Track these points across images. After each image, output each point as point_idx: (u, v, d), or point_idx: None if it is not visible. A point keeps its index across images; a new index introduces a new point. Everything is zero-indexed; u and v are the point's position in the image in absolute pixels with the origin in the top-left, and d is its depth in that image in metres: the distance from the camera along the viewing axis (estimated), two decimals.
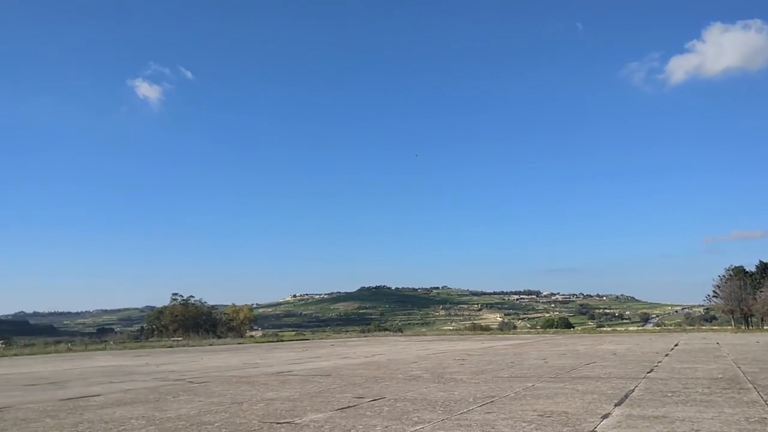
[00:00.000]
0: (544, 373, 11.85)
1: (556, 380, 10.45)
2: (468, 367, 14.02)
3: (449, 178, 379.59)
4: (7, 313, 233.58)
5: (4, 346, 53.99)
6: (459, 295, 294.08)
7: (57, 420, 7.34)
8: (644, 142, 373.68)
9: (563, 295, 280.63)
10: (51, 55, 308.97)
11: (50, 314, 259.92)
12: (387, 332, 74.68)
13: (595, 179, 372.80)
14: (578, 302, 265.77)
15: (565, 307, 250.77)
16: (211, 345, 42.22)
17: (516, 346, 26.62)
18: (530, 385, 9.84)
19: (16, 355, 32.47)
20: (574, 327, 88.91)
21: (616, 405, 7.21)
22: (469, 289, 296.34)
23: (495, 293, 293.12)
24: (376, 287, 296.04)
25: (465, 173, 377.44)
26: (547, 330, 65.83)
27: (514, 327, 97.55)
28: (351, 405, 7.87)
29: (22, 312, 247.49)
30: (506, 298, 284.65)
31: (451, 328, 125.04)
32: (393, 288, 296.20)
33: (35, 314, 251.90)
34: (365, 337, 59.02)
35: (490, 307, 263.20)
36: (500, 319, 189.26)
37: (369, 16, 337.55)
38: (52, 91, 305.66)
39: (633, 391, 8.61)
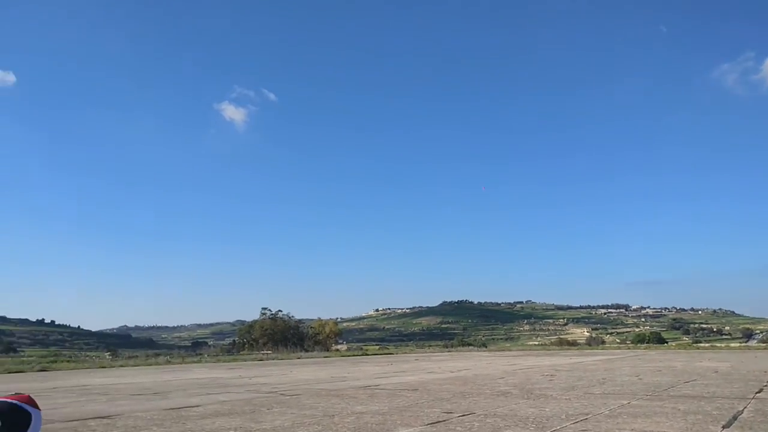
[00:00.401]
0: (639, 391, 11.41)
1: (654, 398, 10.04)
2: (557, 383, 13.71)
3: (533, 192, 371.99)
4: (113, 327, 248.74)
5: (110, 357, 57.47)
6: (544, 309, 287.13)
7: (163, 428, 7.79)
8: (743, 146, 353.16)
9: (654, 308, 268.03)
10: (149, 84, 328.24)
11: (150, 328, 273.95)
12: (471, 347, 73.70)
13: (687, 184, 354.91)
14: (671, 316, 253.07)
15: (656, 322, 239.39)
16: (299, 358, 43.15)
17: (606, 362, 25.70)
18: (625, 402, 9.51)
19: (122, 366, 34.44)
20: (667, 342, 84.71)
21: (723, 427, 6.83)
22: (554, 304, 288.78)
23: (581, 307, 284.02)
24: (459, 302, 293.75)
25: (550, 188, 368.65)
26: (638, 345, 63.03)
27: (603, 342, 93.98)
28: (440, 420, 7.89)
29: (125, 326, 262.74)
30: (593, 312, 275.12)
31: (537, 343, 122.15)
32: (475, 302, 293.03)
33: (137, 328, 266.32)
34: (449, 351, 58.52)
35: (577, 321, 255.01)
36: (587, 333, 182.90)
37: (446, 29, 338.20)
38: (152, 116, 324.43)
39: (742, 412, 8.13)
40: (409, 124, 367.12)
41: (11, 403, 1.13)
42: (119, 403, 11.62)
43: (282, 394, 12.44)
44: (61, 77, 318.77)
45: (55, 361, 42.61)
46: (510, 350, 57.68)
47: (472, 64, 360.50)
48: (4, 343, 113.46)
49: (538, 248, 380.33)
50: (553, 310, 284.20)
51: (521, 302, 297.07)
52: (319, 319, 77.70)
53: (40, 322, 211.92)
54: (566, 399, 10.05)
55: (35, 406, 1.21)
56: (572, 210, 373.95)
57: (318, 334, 71.41)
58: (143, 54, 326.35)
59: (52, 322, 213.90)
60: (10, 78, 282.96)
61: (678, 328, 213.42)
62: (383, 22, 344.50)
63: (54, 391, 15.87)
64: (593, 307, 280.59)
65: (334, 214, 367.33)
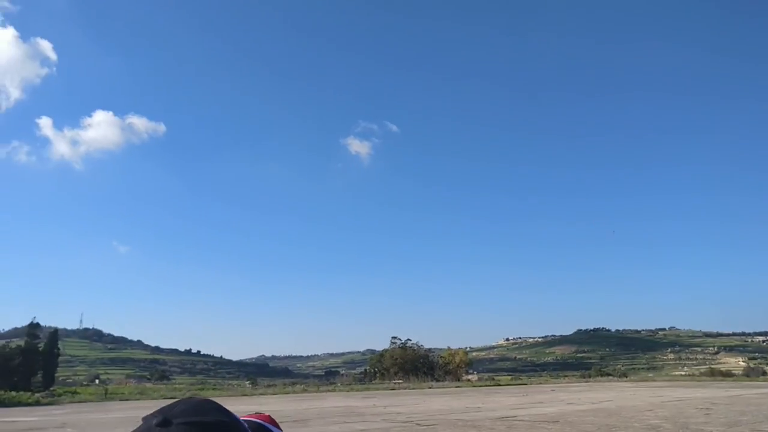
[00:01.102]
0: None
1: None
2: (716, 418, 12.48)
3: (672, 205, 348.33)
4: (252, 357, 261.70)
5: (251, 385, 60.27)
6: (690, 336, 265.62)
7: None
8: None
9: None
10: (278, 123, 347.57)
11: (285, 357, 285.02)
12: (610, 377, 69.58)
13: None
14: None
15: None
16: (430, 387, 42.86)
17: None
18: None
19: (262, 394, 35.99)
20: None
21: None
22: (702, 330, 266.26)
23: (734, 334, 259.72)
24: (594, 329, 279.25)
25: (693, 201, 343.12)
26: None
27: (764, 373, 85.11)
28: None
29: (263, 356, 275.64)
30: (749, 340, 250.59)
31: (683, 373, 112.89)
32: (613, 330, 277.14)
33: (273, 357, 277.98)
34: (586, 382, 55.67)
35: (729, 350, 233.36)
36: (743, 363, 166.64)
37: (542, 53, 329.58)
38: (279, 156, 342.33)
39: None
40: (528, 151, 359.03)
41: (259, 423, 1.14)
42: None
43: (417, 424, 12.31)
44: (201, 124, 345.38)
45: (203, 389, 45.45)
46: (654, 381, 53.85)
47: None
48: (158, 371, 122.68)
49: (681, 269, 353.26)
50: (701, 337, 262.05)
51: (664, 329, 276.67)
52: (449, 349, 76.82)
53: (188, 352, 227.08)
54: None
55: (277, 426, 1.22)
56: (714, 223, 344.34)
57: (448, 363, 70.51)
58: (271, 97, 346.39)
59: (198, 352, 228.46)
60: (161, 128, 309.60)
61: None
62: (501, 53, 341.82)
63: None
64: (749, 334, 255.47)
65: (461, 243, 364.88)
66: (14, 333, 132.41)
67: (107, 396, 36.72)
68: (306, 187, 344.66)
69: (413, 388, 42.50)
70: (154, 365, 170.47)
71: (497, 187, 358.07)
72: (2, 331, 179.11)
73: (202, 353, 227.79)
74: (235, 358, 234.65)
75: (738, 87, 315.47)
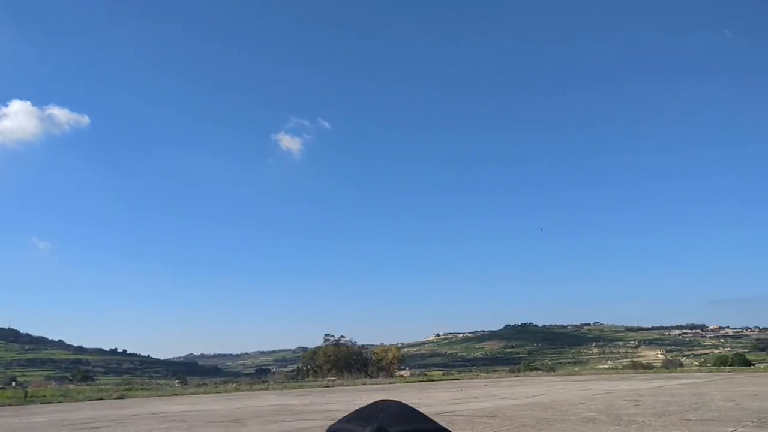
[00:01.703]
0: (742, 417, 10.59)
1: (762, 426, 9.28)
2: (646, 409, 12.94)
3: (593, 202, 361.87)
4: (180, 356, 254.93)
5: (180, 385, 58.65)
6: (613, 331, 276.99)
7: None
8: None
9: (734, 329, 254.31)
10: (209, 119, 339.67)
11: (215, 356, 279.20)
12: (539, 371, 71.72)
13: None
14: (754, 336, 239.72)
15: (737, 343, 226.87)
16: (363, 384, 42.87)
17: (692, 386, 24.35)
18: (731, 430, 8.80)
19: (192, 393, 34.99)
20: (753, 364, 79.91)
21: None
22: (624, 325, 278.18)
23: (653, 328, 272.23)
24: (522, 325, 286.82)
25: (616, 191, 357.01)
26: (721, 368, 59.74)
27: (681, 365, 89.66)
28: None
29: (191, 354, 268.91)
30: (666, 334, 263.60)
31: (607, 366, 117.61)
32: (540, 325, 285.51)
33: (202, 356, 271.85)
34: (516, 376, 57.08)
35: (649, 343, 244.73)
36: (662, 356, 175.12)
37: (499, 55, 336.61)
38: (212, 150, 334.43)
39: None
40: (459, 154, 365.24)
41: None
42: (199, 430, 11.61)
43: None
44: (128, 117, 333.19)
45: (130, 389, 43.76)
46: (581, 374, 55.78)
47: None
48: (81, 372, 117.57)
49: (605, 267, 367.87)
50: (622, 331, 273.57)
51: (588, 324, 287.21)
52: (382, 345, 77.37)
53: (113, 352, 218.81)
54: (662, 426, 9.41)
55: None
56: (637, 224, 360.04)
57: (381, 360, 70.87)
58: (202, 90, 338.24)
59: (124, 351, 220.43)
60: (85, 120, 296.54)
61: (763, 349, 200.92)
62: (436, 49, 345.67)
63: (135, 418, 16.11)
64: (666, 328, 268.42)
65: (391, 239, 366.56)
66: None
67: (27, 399, 34.81)
68: (237, 183, 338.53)
69: (347, 385, 42.40)
70: (76, 365, 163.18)
71: (423, 185, 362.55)
72: None
73: (128, 352, 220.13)
74: (162, 357, 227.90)
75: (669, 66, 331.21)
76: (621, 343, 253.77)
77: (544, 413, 12.66)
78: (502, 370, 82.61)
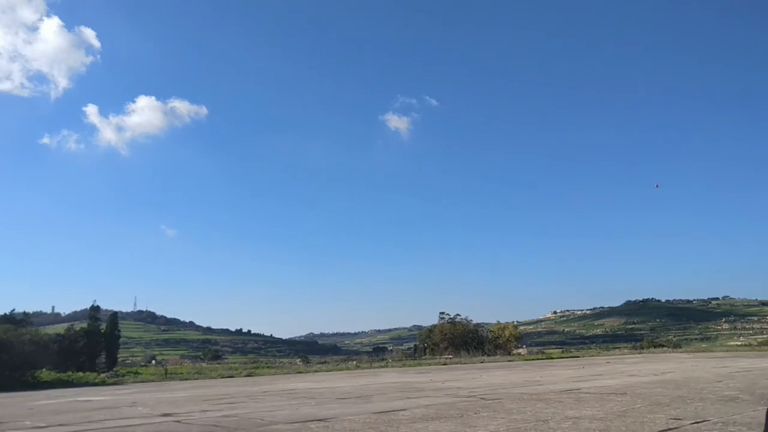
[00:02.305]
0: None
1: None
2: None
3: (720, 173, 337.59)
4: (301, 335, 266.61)
5: (302, 363, 61.35)
6: (745, 305, 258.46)
7: (380, 431, 7.97)
8: None
9: None
10: (318, 104, 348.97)
11: (334, 335, 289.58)
12: (664, 348, 68.39)
13: None
14: None
15: None
16: (482, 362, 42.88)
17: None
18: None
19: (316, 371, 36.59)
20: None
21: None
22: (758, 299, 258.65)
23: None
24: (644, 300, 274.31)
25: (741, 171, 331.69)
26: None
27: None
28: (671, 428, 7.25)
29: (311, 333, 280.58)
30: None
31: (740, 343, 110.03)
32: (663, 300, 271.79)
33: (321, 335, 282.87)
34: (640, 353, 54.85)
35: None
36: None
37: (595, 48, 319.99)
38: (323, 134, 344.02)
39: None
40: (584, 122, 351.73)
41: None
42: (328, 406, 12.18)
43: (482, 398, 12.27)
44: (242, 106, 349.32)
45: (257, 367, 46.44)
46: (712, 351, 52.67)
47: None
48: (211, 351, 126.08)
49: (736, 235, 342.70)
50: (756, 306, 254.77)
51: (717, 298, 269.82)
52: (498, 323, 76.60)
53: (239, 332, 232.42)
54: None
55: None
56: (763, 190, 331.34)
57: (498, 337, 70.35)
58: (310, 76, 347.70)
59: (249, 331, 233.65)
60: (203, 111, 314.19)
61: None
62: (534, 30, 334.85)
63: (266, 394, 17.15)
64: None
65: (505, 216, 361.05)
66: (74, 316, 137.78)
67: (167, 376, 37.91)
68: (348, 165, 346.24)
69: (465, 363, 42.62)
70: (206, 345, 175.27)
71: (540, 154, 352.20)
72: (64, 314, 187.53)
73: (252, 332, 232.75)
74: (284, 336, 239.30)
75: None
76: (755, 318, 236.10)
77: (678, 391, 12.16)
78: (624, 347, 79.67)
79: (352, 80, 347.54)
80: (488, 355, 56.59)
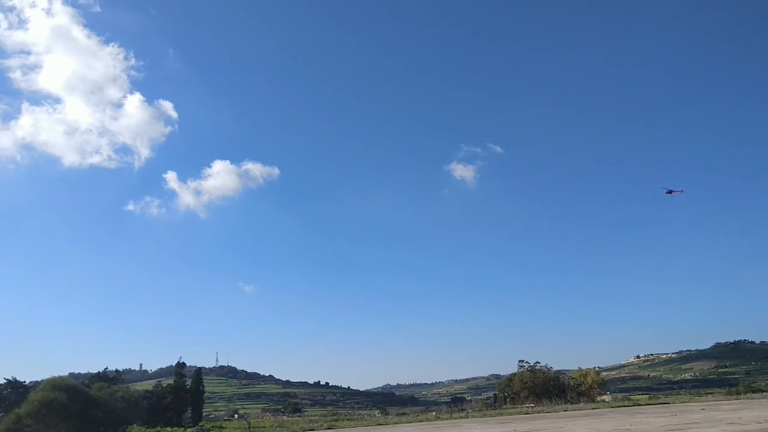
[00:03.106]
0: None
1: None
2: None
3: None
4: (377, 386, 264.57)
5: (380, 415, 61.00)
6: None
7: None
8: None
9: None
10: (383, 158, 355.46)
11: (410, 386, 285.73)
12: (764, 393, 64.03)
13: None
14: None
15: None
16: (565, 410, 41.49)
17: None
18: None
19: (395, 423, 36.34)
20: None
21: None
22: None
23: None
24: (735, 342, 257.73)
25: None
26: None
27: None
28: None
29: (388, 384, 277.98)
30: None
31: None
32: (758, 342, 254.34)
33: (398, 386, 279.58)
34: (738, 399, 51.57)
35: None
36: None
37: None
38: (388, 187, 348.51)
39: None
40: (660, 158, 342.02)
41: None
42: None
43: None
44: (311, 165, 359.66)
45: (337, 420, 46.56)
46: None
47: None
48: (291, 404, 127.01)
49: None
50: None
51: None
52: (579, 369, 74.11)
53: (317, 384, 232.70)
54: None
55: None
56: None
57: (580, 384, 67.97)
58: (373, 133, 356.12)
59: (327, 383, 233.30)
60: (275, 171, 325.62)
61: None
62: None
63: None
64: None
65: (582, 259, 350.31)
66: (160, 373, 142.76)
67: (250, 430, 38.58)
68: (417, 215, 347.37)
69: (548, 412, 41.31)
70: (286, 398, 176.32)
71: (614, 195, 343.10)
72: (151, 371, 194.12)
73: (330, 385, 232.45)
74: (362, 388, 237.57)
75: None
76: None
77: None
78: (718, 393, 75.06)
79: (415, 132, 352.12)
80: (571, 403, 54.67)
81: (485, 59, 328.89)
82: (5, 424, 34.29)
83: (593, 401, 60.28)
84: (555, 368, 71.71)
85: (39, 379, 53.87)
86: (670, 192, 63.71)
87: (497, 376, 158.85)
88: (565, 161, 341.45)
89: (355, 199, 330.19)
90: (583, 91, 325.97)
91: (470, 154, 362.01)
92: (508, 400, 67.33)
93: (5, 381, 54.30)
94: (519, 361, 71.09)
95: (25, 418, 33.41)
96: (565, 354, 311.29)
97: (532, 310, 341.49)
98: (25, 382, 54.69)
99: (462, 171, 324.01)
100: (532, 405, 55.70)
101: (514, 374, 71.16)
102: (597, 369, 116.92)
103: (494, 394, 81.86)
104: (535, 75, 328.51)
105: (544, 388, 63.94)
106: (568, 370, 78.03)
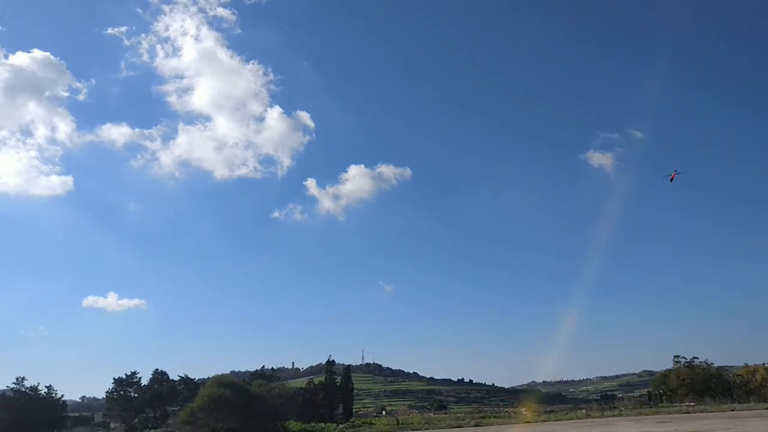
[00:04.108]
0: None
1: None
2: None
3: None
4: (522, 383, 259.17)
5: (526, 412, 59.82)
6: None
7: None
8: None
9: None
10: (514, 152, 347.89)
11: (556, 383, 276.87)
12: None
13: None
14: None
15: None
16: (732, 410, 38.40)
17: None
18: None
19: (544, 420, 35.59)
20: None
21: None
22: None
23: None
24: None
25: None
26: None
27: None
28: None
29: (533, 382, 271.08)
30: None
31: None
32: None
33: (544, 383, 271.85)
34: None
35: None
36: None
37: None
38: (520, 180, 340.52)
39: None
40: None
41: None
42: None
43: None
44: (443, 164, 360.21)
45: (484, 417, 46.39)
46: None
47: None
48: (436, 401, 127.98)
49: None
50: None
51: None
52: (746, 366, 68.02)
53: (461, 382, 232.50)
54: None
55: None
56: None
57: (747, 382, 62.34)
58: (504, 126, 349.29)
59: (471, 381, 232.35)
60: (407, 173, 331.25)
61: None
62: None
63: None
64: None
65: (741, 241, 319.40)
66: (311, 371, 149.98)
67: (399, 426, 39.46)
68: (554, 207, 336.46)
69: (711, 411, 38.44)
70: (430, 395, 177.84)
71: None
72: (302, 369, 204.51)
73: (474, 382, 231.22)
74: (506, 385, 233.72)
75: None
76: None
77: None
78: None
79: (547, 121, 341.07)
80: (738, 402, 50.33)
81: (615, 34, 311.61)
82: (182, 417, 38.22)
83: (765, 400, 55.17)
84: (717, 364, 66.32)
85: (206, 377, 58.88)
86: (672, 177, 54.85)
87: (650, 373, 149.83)
88: (709, 149, 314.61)
89: (488, 195, 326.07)
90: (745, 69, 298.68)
91: (608, 140, 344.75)
92: (664, 398, 63.44)
93: (179, 378, 59.98)
94: (674, 356, 66.69)
95: (197, 411, 36.83)
96: (727, 349, 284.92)
97: (689, 301, 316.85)
98: (194, 379, 60.01)
99: (600, 159, 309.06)
100: (692, 404, 52.00)
101: (669, 370, 66.83)
102: (767, 366, 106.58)
103: (648, 392, 77.45)
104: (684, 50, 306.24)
105: (704, 385, 59.48)
106: (731, 367, 71.79)
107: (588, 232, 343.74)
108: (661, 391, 66.26)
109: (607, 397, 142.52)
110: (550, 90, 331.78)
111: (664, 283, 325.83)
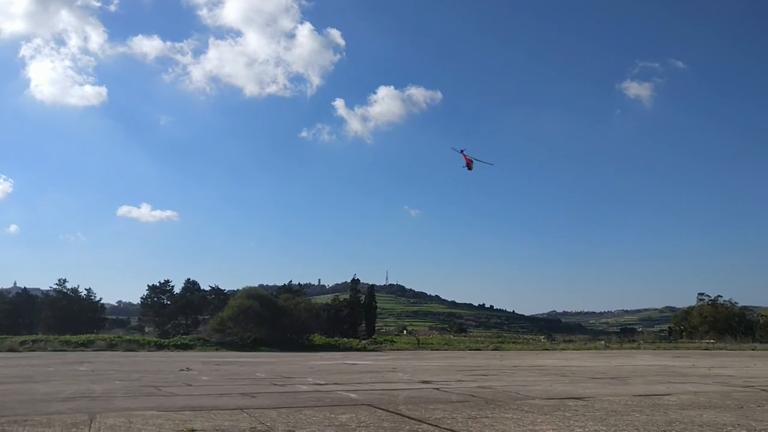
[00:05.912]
0: None
1: None
2: None
3: None
4: (543, 312, 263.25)
5: (546, 340, 60.90)
6: None
7: (645, 415, 7.70)
8: None
9: None
10: (549, 77, 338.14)
11: (577, 314, 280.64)
12: None
13: None
14: None
15: None
16: (753, 349, 38.42)
17: None
18: None
19: (563, 349, 36.17)
20: None
21: None
22: None
23: None
24: None
25: None
26: None
27: None
28: None
29: (554, 311, 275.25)
30: None
31: None
32: None
33: (565, 313, 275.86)
34: None
35: None
36: None
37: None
38: (556, 107, 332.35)
39: None
40: None
41: None
42: (583, 385, 12.12)
43: (764, 390, 11.15)
44: (474, 86, 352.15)
45: (502, 342, 47.33)
46: None
47: None
48: (456, 324, 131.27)
49: None
50: None
51: None
52: None
53: (482, 307, 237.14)
54: None
55: None
56: None
57: None
58: (539, 50, 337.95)
59: (491, 306, 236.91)
60: (438, 96, 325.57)
61: None
62: None
63: (516, 369, 17.55)
64: None
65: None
66: (336, 288, 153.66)
67: (419, 345, 40.58)
68: (585, 138, 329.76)
69: (731, 349, 38.52)
70: (451, 318, 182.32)
71: None
72: (328, 286, 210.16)
73: (494, 308, 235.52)
74: (526, 313, 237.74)
75: None
76: None
77: None
78: None
79: (583, 48, 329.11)
80: (760, 342, 50.37)
81: None
82: (212, 325, 40.10)
83: None
84: (741, 303, 66.14)
85: (235, 288, 60.92)
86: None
87: (672, 309, 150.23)
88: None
89: (519, 122, 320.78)
90: None
91: (646, 69, 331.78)
92: (684, 334, 63.77)
93: (210, 288, 62.13)
94: (698, 293, 66.69)
95: (227, 321, 38.48)
96: (753, 289, 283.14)
97: (716, 240, 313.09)
98: (224, 290, 62.13)
99: (637, 89, 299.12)
100: (712, 341, 52.28)
101: (692, 307, 66.93)
102: None
103: (669, 327, 77.90)
104: None
105: (727, 324, 59.54)
106: (756, 307, 71.58)
107: (618, 165, 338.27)
108: (681, 327, 66.67)
109: (626, 330, 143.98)
110: (588, 12, 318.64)
111: (692, 221, 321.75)
